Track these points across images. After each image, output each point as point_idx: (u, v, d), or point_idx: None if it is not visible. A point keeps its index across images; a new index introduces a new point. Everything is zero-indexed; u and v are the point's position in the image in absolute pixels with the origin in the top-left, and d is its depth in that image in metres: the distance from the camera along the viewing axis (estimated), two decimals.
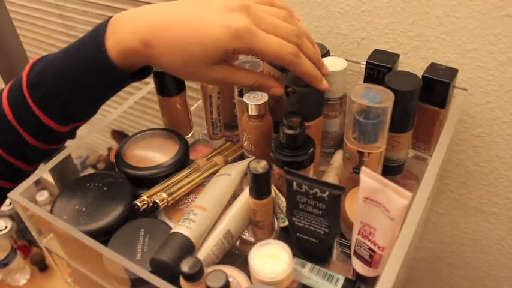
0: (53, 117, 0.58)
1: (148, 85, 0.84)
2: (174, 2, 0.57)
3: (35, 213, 0.64)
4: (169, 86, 0.77)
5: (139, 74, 0.60)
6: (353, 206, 0.63)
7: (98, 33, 0.55)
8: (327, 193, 0.53)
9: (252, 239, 0.68)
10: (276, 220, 0.65)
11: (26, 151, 0.61)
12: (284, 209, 0.63)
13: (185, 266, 0.49)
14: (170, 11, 0.55)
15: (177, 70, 0.57)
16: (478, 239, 0.95)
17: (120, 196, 0.66)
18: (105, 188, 0.67)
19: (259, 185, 0.58)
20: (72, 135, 0.64)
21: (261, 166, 0.56)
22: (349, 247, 0.66)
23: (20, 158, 0.62)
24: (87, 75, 0.57)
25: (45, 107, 0.57)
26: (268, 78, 0.61)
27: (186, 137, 0.79)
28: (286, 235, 0.65)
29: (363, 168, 0.51)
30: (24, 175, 0.67)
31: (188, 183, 0.68)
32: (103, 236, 0.62)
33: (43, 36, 1.57)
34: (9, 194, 0.64)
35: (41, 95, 0.57)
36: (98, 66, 0.56)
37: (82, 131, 0.63)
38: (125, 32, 0.54)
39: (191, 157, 0.77)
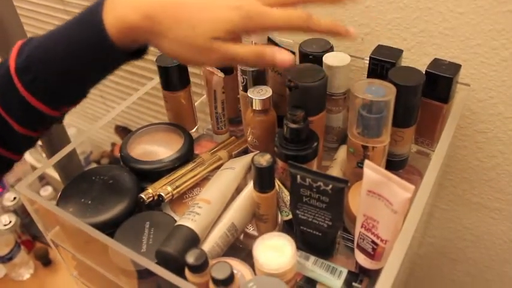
0: (46, 101, 0.56)
1: (152, 81, 0.84)
2: None
3: (41, 206, 0.65)
4: (175, 80, 0.78)
5: (134, 54, 0.58)
6: (357, 200, 0.63)
7: (95, 11, 0.53)
8: (330, 186, 0.53)
9: (255, 233, 0.68)
10: (279, 214, 0.66)
11: (13, 139, 0.59)
12: (288, 203, 0.63)
13: (190, 258, 0.50)
14: None
15: (178, 50, 0.54)
16: (480, 235, 0.96)
17: (125, 189, 0.67)
18: (110, 182, 0.68)
19: (263, 179, 0.59)
20: (61, 119, 0.62)
21: (265, 160, 0.57)
22: (351, 241, 0.67)
23: (6, 147, 0.59)
24: (82, 55, 0.54)
25: (37, 92, 0.55)
26: (267, 47, 0.55)
27: (190, 132, 0.79)
28: (289, 228, 0.65)
29: (366, 162, 0.52)
30: (10, 165, 0.64)
31: (193, 177, 0.69)
32: (108, 228, 0.62)
33: (46, 24, 1.57)
34: (16, 187, 0.65)
35: (31, 79, 0.54)
36: (96, 46, 0.54)
37: (86, 126, 0.63)
38: (127, 7, 0.52)
39: (195, 152, 0.77)
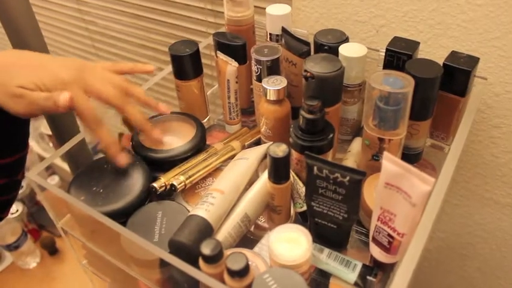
0: None
1: (162, 71, 0.83)
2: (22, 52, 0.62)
3: (53, 194, 0.65)
4: (188, 69, 0.77)
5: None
6: (371, 193, 0.63)
7: None
8: (348, 178, 0.53)
9: (266, 225, 0.68)
10: (292, 205, 0.65)
11: None
12: (302, 194, 0.63)
13: (206, 248, 0.49)
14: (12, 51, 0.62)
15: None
16: (492, 231, 0.95)
17: (137, 178, 0.66)
18: (122, 170, 0.67)
19: (279, 169, 0.58)
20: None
21: (281, 150, 0.56)
22: (363, 234, 0.66)
23: None
24: None
25: None
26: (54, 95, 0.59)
27: (203, 121, 0.79)
28: (303, 220, 0.65)
29: (385, 153, 0.51)
30: None
31: (205, 167, 0.68)
32: (120, 217, 0.62)
33: (59, 22, 1.57)
34: (27, 174, 0.65)
35: None
36: None
37: None
38: None
39: (207, 142, 0.77)
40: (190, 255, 0.54)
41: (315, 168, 0.54)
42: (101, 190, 0.65)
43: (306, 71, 0.63)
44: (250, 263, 0.51)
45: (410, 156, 0.71)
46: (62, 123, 1.05)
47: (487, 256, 1.00)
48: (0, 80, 0.57)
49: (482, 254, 1.01)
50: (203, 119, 0.83)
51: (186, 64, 0.76)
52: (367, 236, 0.66)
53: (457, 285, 1.11)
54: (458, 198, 0.94)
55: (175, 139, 0.72)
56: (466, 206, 0.94)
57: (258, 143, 0.76)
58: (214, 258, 0.50)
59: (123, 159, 0.63)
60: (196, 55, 0.77)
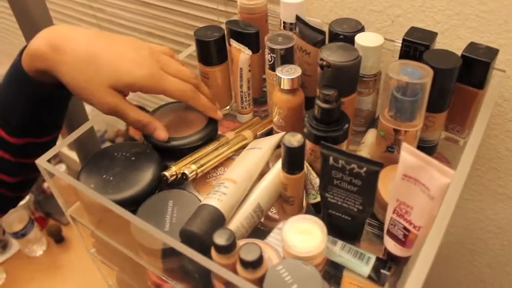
0: (2, 126, 0.64)
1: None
2: (98, 33, 0.63)
3: (61, 182, 0.64)
4: (216, 55, 0.77)
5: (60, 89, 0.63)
6: (386, 185, 0.62)
7: (23, 48, 0.61)
8: (364, 169, 0.51)
9: (276, 216, 0.67)
10: (305, 196, 0.64)
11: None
12: (316, 185, 0.62)
13: (219, 238, 0.49)
14: (93, 37, 0.61)
15: (75, 83, 0.59)
16: (503, 226, 0.94)
17: (148, 166, 0.65)
18: (133, 158, 0.66)
19: (293, 159, 0.57)
20: (28, 150, 0.67)
21: (296, 140, 0.55)
22: (375, 226, 0.65)
23: None
24: (10, 85, 0.63)
25: None
26: (154, 120, 0.67)
27: (224, 109, 0.81)
28: (315, 212, 0.64)
29: (404, 145, 0.49)
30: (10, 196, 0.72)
31: (217, 156, 0.67)
32: (130, 206, 0.61)
33: (68, 9, 1.56)
34: (37, 161, 0.64)
35: None
36: (14, 74, 0.62)
37: None
38: (37, 38, 0.59)
39: (218, 132, 0.76)
40: (202, 245, 0.53)
41: (331, 158, 0.53)
42: (111, 178, 0.64)
43: (322, 59, 0.61)
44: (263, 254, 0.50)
45: (424, 149, 0.69)
46: (71, 111, 1.04)
47: (498, 252, 0.99)
48: (89, 73, 0.58)
49: (493, 249, 0.99)
50: (227, 106, 0.83)
51: (215, 49, 0.75)
52: (379, 228, 0.65)
53: (466, 281, 1.10)
54: (470, 193, 0.93)
55: (186, 128, 0.71)
56: (478, 200, 0.93)
57: (270, 133, 0.75)
58: (227, 249, 0.49)
59: (218, 115, 0.71)
60: (223, 40, 0.76)
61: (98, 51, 0.59)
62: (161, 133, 0.66)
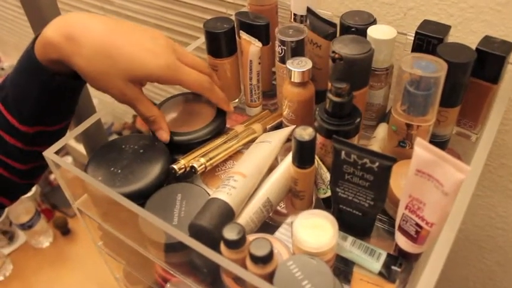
0: (14, 115, 0.64)
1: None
2: (113, 22, 0.61)
3: (70, 173, 0.63)
4: (226, 47, 0.76)
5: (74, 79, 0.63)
6: (397, 180, 0.61)
7: (36, 36, 0.60)
8: (377, 164, 0.51)
9: (284, 211, 0.66)
10: (315, 191, 0.64)
11: (7, 148, 0.66)
12: (326, 180, 0.61)
13: (229, 233, 0.48)
14: (108, 26, 0.60)
15: (91, 74, 0.59)
16: None
17: (156, 159, 0.64)
18: (141, 151, 0.66)
19: (304, 153, 0.56)
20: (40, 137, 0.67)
21: (307, 133, 0.54)
22: (387, 222, 0.64)
23: (6, 155, 0.67)
24: (22, 74, 0.62)
25: (6, 106, 0.64)
26: (163, 119, 0.67)
27: (233, 102, 0.80)
28: (325, 207, 0.63)
29: (418, 139, 0.48)
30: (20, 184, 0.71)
31: (226, 149, 0.67)
32: (138, 199, 0.60)
33: (75, 1, 1.55)
34: (44, 153, 0.63)
35: (4, 95, 0.64)
36: (26, 62, 0.61)
37: (108, 97, 0.62)
38: (51, 26, 0.58)
39: (226, 125, 0.75)
40: (211, 239, 0.52)
41: (343, 153, 0.52)
42: (119, 171, 0.63)
43: (334, 52, 0.60)
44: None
45: (436, 144, 0.67)
46: (78, 104, 1.04)
47: (508, 249, 0.98)
48: (106, 65, 0.58)
49: (502, 247, 0.98)
50: (236, 99, 0.83)
51: (225, 41, 0.74)
52: (389, 224, 0.64)
53: (474, 278, 1.09)
54: (480, 189, 0.92)
55: (195, 121, 0.70)
56: (488, 197, 0.92)
57: (279, 126, 0.74)
58: (237, 244, 0.48)
59: (230, 107, 0.72)
60: (232, 32, 0.75)
61: (114, 42, 0.58)
62: (164, 134, 0.66)
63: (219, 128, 0.70)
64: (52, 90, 0.62)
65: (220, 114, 0.71)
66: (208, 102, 0.73)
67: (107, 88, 0.60)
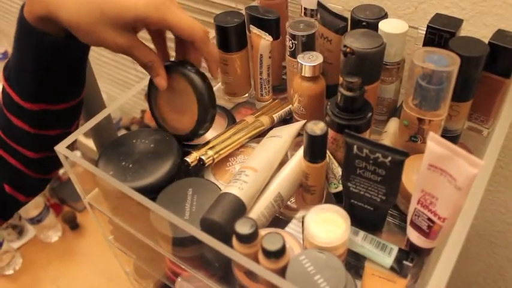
0: (15, 89, 0.62)
1: None
2: None
3: (80, 168, 0.63)
4: (237, 41, 0.76)
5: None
6: (409, 175, 0.60)
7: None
8: (389, 158, 0.50)
9: (294, 205, 0.66)
10: (326, 186, 0.63)
11: (16, 133, 0.65)
12: (337, 175, 0.61)
13: (242, 227, 0.48)
14: None
15: (81, 26, 0.55)
16: None
17: (167, 154, 0.64)
18: (152, 145, 0.66)
19: (315, 148, 0.56)
20: (45, 116, 0.65)
21: (319, 128, 0.54)
22: (398, 217, 0.64)
23: (16, 141, 0.65)
24: (16, 42, 0.60)
25: (9, 82, 0.62)
26: (161, 65, 0.62)
27: (243, 97, 0.80)
28: (337, 202, 0.63)
29: (431, 134, 0.48)
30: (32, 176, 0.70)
31: (233, 142, 0.67)
32: (150, 193, 0.60)
33: None
34: (56, 148, 0.63)
35: (7, 72, 0.62)
36: (18, 27, 0.58)
37: (116, 92, 0.62)
38: None
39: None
40: (223, 234, 0.52)
41: (355, 147, 0.52)
42: (130, 165, 0.64)
43: (345, 46, 0.60)
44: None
45: (448, 138, 0.66)
46: (87, 99, 1.04)
47: None
48: (93, 15, 0.54)
49: None
50: (245, 93, 0.83)
51: (235, 35, 0.74)
52: (401, 219, 0.64)
53: (484, 273, 1.09)
54: (491, 184, 0.91)
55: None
56: (499, 192, 0.91)
57: (286, 114, 0.74)
58: (249, 238, 0.48)
59: (216, 74, 0.64)
60: (243, 26, 0.75)
61: None
62: (161, 81, 0.62)
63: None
64: (46, 54, 0.60)
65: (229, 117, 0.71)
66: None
67: (100, 40, 0.56)
